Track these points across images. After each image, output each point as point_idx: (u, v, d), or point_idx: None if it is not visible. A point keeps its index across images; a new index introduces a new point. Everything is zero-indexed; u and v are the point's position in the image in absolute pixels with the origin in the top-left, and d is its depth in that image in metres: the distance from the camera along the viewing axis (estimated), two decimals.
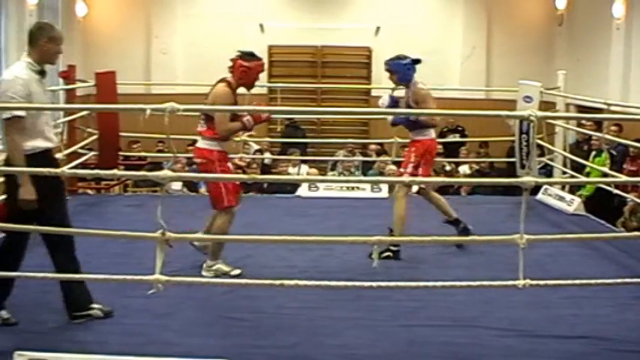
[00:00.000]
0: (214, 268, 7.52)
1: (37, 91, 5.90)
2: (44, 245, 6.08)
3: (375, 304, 6.52)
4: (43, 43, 5.95)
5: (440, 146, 16.03)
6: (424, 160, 8.47)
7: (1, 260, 6.04)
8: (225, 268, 7.53)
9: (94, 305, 6.14)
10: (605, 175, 10.56)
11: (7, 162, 5.85)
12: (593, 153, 12.49)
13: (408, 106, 8.46)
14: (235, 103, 7.63)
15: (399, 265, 7.65)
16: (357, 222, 9.05)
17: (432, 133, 8.63)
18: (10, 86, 5.77)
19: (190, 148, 15.48)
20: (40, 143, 5.93)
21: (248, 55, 7.71)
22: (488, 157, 15.80)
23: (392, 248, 8.16)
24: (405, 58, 8.69)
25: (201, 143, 7.58)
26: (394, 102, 8.64)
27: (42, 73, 5.99)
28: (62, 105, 5.61)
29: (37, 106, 5.88)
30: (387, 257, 8.03)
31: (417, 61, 8.66)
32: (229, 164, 7.81)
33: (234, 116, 7.50)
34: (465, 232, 8.55)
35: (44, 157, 5.94)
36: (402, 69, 8.59)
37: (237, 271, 7.52)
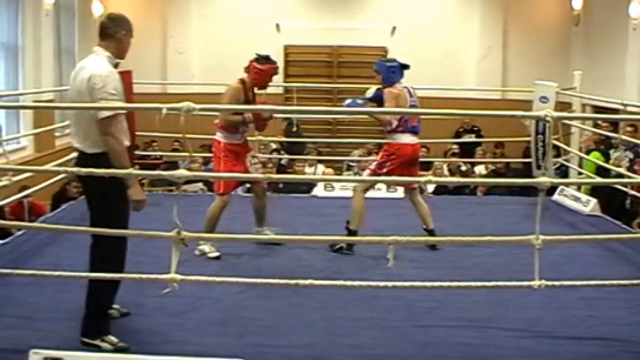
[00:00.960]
0: (200, 246, 8.14)
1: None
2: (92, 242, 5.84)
3: (391, 305, 6.52)
4: (121, 36, 5.81)
5: (455, 146, 16.10)
6: (390, 162, 8.58)
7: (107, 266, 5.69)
8: (207, 249, 8.08)
9: (114, 306, 6.12)
10: (599, 172, 10.58)
11: (104, 163, 5.51)
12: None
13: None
14: (246, 100, 8.30)
15: (414, 266, 7.63)
16: (373, 222, 9.02)
17: (405, 138, 8.66)
18: (108, 82, 5.52)
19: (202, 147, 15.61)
20: (127, 141, 5.79)
21: (263, 59, 8.36)
22: (504, 157, 15.76)
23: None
24: (394, 61, 8.91)
25: (216, 135, 8.51)
26: (378, 96, 8.74)
27: (116, 67, 5.77)
28: (78, 105, 5.57)
29: (56, 105, 5.85)
30: (340, 250, 8.35)
31: (406, 67, 8.82)
32: (249, 158, 8.62)
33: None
34: (433, 247, 8.59)
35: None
36: (386, 71, 8.74)
37: (215, 254, 8.06)
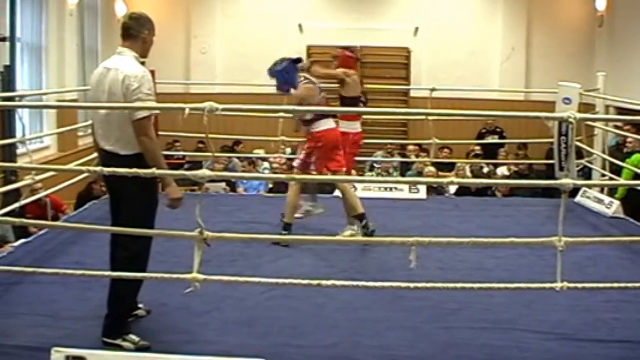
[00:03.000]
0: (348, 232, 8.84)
1: None
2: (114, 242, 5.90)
3: (414, 305, 6.51)
4: (145, 36, 5.86)
5: (478, 147, 16.07)
6: (318, 150, 8.72)
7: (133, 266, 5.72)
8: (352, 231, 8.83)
9: (140, 305, 6.16)
10: (636, 176, 10.49)
11: (139, 164, 5.52)
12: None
13: None
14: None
15: (438, 267, 7.60)
16: (396, 222, 9.02)
17: (329, 123, 8.77)
18: (143, 82, 5.57)
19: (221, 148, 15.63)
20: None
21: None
22: (526, 158, 15.71)
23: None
24: (282, 61, 8.79)
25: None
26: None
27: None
28: (102, 104, 5.62)
29: (79, 104, 5.87)
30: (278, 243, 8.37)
31: (298, 60, 8.86)
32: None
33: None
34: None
35: None
36: (280, 77, 8.76)
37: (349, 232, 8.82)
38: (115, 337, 5.61)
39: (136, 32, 5.82)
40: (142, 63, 5.80)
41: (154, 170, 5.46)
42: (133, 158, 5.57)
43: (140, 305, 6.18)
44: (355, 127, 9.37)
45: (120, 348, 5.55)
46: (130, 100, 5.51)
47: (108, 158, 5.71)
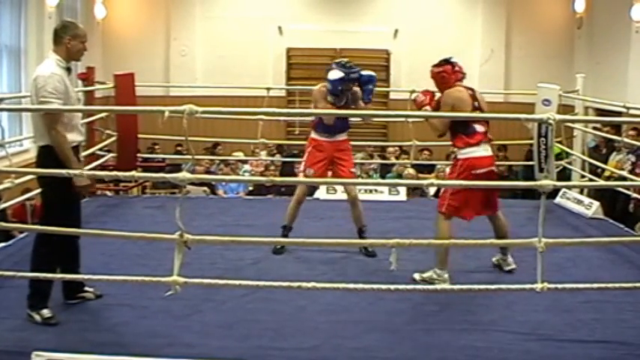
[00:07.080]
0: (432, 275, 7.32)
1: (69, 86, 6.19)
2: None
3: (395, 307, 6.51)
4: (67, 41, 6.18)
5: None
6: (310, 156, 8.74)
7: (42, 259, 6.21)
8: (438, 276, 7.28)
9: (87, 288, 6.50)
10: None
11: (48, 154, 6.05)
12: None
13: None
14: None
15: (418, 268, 7.59)
16: (376, 225, 9.00)
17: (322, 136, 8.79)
18: (48, 82, 6.00)
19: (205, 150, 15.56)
20: (76, 137, 6.27)
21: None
22: (506, 160, 15.75)
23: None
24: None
25: None
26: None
27: (69, 70, 6.26)
28: (81, 107, 5.80)
29: (59, 107, 5.97)
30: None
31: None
32: None
33: None
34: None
35: (77, 151, 6.30)
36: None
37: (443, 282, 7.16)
38: (32, 310, 6.06)
39: (60, 38, 6.25)
40: (68, 68, 6.28)
41: (133, 174, 5.47)
42: (43, 149, 6.13)
43: (87, 288, 6.50)
44: None
45: (32, 319, 6.01)
46: (38, 97, 6.05)
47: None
